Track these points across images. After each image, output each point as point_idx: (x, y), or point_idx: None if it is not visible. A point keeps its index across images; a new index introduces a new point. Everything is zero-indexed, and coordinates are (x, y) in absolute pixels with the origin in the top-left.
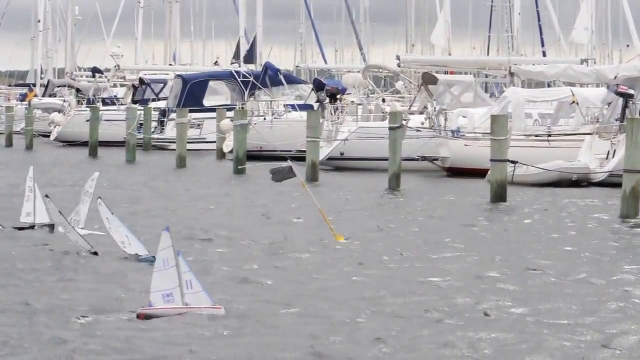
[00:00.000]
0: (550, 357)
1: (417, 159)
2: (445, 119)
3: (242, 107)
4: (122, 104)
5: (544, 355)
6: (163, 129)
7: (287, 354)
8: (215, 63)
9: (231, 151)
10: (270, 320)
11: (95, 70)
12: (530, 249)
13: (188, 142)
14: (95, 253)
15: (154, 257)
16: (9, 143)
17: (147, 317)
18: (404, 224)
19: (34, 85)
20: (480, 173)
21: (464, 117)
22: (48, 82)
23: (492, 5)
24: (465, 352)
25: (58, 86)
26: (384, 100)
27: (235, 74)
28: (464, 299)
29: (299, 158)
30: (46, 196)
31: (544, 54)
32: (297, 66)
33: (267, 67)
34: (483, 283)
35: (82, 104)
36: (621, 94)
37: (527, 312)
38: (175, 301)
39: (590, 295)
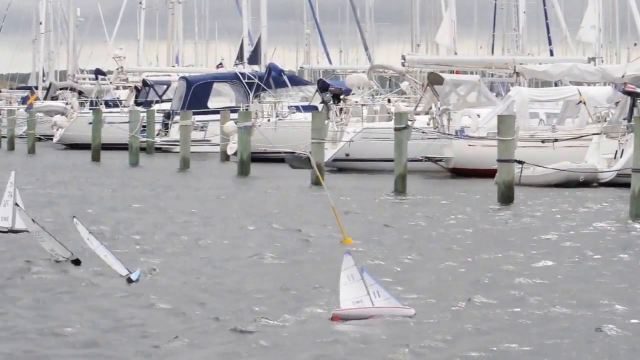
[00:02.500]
0: None
1: (421, 160)
2: (449, 120)
3: (247, 109)
4: (125, 106)
5: None
6: (167, 131)
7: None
8: (220, 65)
9: (235, 153)
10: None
11: (97, 73)
12: (539, 247)
13: (193, 145)
14: (77, 261)
15: (136, 276)
16: (11, 147)
17: (341, 318)
18: (416, 226)
19: (36, 88)
20: (484, 174)
21: (468, 117)
22: (50, 84)
23: (495, 4)
24: None
25: (60, 89)
26: (389, 101)
27: (240, 75)
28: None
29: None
30: (16, 204)
31: (551, 53)
32: (300, 67)
33: (271, 68)
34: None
35: (84, 106)
36: (629, 93)
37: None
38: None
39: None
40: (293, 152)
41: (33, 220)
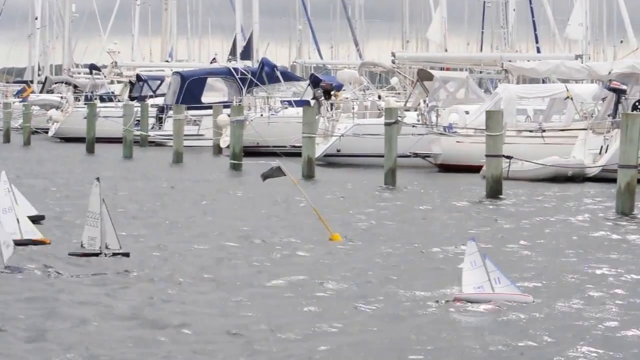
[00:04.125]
0: None
1: (410, 156)
2: (437, 116)
3: (239, 104)
4: (119, 101)
5: None
6: (162, 125)
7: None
8: (213, 60)
9: (228, 147)
10: None
11: (92, 67)
12: (525, 242)
13: (186, 139)
14: (127, 254)
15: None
16: (7, 139)
17: (462, 300)
18: (403, 220)
19: (32, 82)
20: (471, 169)
21: (456, 113)
22: (45, 78)
23: (484, 2)
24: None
25: (55, 83)
26: (379, 97)
27: (233, 70)
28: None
29: (295, 154)
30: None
31: (538, 50)
32: (293, 62)
33: (264, 63)
34: None
35: (79, 100)
36: (614, 90)
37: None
38: (485, 292)
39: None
40: (265, 171)
41: (103, 200)
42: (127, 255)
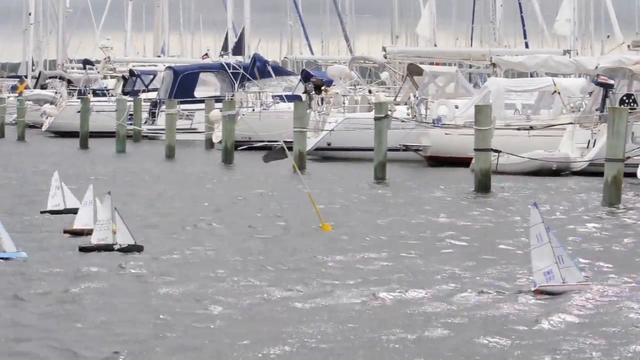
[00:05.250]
0: None
1: (400, 148)
2: (427, 109)
3: (231, 99)
4: (112, 95)
5: None
6: (155, 119)
7: None
8: (205, 55)
9: (220, 141)
10: None
11: (86, 62)
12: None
13: (179, 133)
14: (140, 247)
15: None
16: (1, 134)
17: (543, 292)
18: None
19: (26, 77)
20: (460, 162)
21: (445, 107)
22: (39, 73)
23: None
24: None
25: (49, 78)
26: (370, 92)
27: (225, 65)
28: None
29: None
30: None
31: (527, 45)
32: (284, 58)
33: (256, 58)
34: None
35: (73, 95)
36: (602, 84)
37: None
38: (555, 278)
39: None
40: (268, 153)
41: (115, 209)
42: (140, 248)
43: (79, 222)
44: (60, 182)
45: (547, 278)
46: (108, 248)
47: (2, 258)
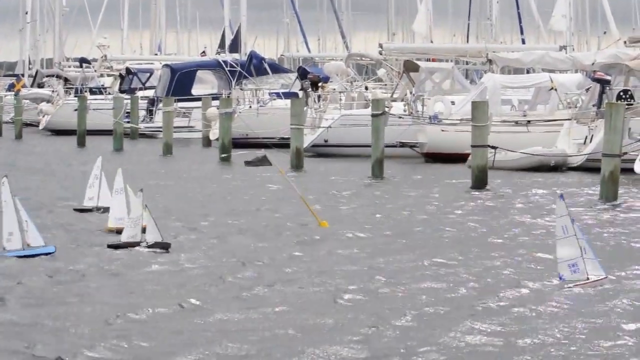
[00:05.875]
0: None
1: (397, 145)
2: (423, 106)
3: (228, 96)
4: (109, 94)
5: None
6: (152, 117)
7: None
8: (203, 53)
9: (217, 139)
10: None
11: (82, 61)
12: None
13: (177, 131)
14: (167, 245)
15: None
16: None
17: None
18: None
19: (23, 75)
20: (457, 158)
21: (442, 103)
22: (36, 72)
23: None
24: None
25: (46, 76)
26: (366, 88)
27: (222, 63)
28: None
29: (284, 145)
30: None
31: (523, 42)
32: (281, 55)
33: (252, 56)
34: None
35: (70, 93)
36: (598, 80)
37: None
38: (580, 271)
39: None
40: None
41: (146, 206)
42: (168, 245)
43: (113, 216)
44: (100, 172)
45: (572, 270)
46: (136, 245)
47: (28, 255)
